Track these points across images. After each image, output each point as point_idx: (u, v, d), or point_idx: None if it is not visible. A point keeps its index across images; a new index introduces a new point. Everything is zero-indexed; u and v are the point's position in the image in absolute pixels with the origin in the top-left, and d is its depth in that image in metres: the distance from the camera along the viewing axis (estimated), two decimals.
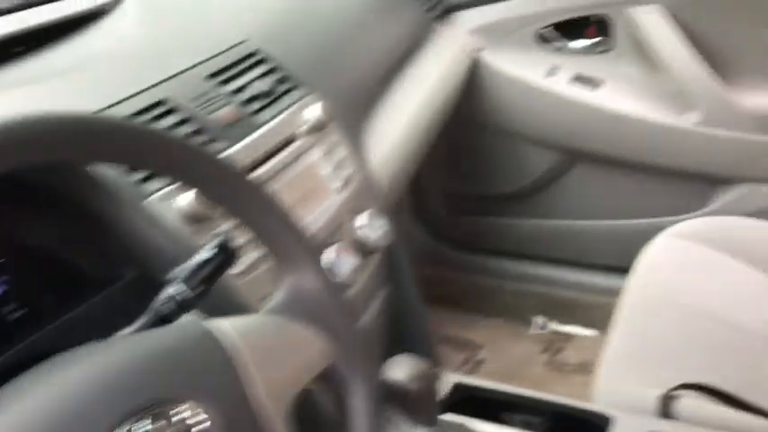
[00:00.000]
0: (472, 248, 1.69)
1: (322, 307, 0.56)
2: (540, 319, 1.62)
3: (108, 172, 0.67)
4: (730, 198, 1.37)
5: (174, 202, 0.70)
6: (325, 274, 0.57)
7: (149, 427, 0.43)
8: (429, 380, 0.75)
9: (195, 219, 0.71)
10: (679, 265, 1.16)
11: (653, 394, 0.94)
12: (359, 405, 0.57)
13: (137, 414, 0.43)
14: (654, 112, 1.34)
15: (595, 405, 0.92)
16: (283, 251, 0.56)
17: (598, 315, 1.49)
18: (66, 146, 0.44)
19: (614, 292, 1.19)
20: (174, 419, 0.44)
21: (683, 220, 1.25)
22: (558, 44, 1.43)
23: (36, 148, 0.43)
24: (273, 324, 0.54)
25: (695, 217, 1.30)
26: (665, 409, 0.92)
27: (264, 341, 0.52)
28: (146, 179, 0.70)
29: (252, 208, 0.55)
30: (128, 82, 0.78)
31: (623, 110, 1.36)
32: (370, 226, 0.89)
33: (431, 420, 0.79)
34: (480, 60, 1.45)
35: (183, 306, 0.59)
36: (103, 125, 0.47)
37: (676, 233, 1.22)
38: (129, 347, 0.48)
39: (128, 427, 0.42)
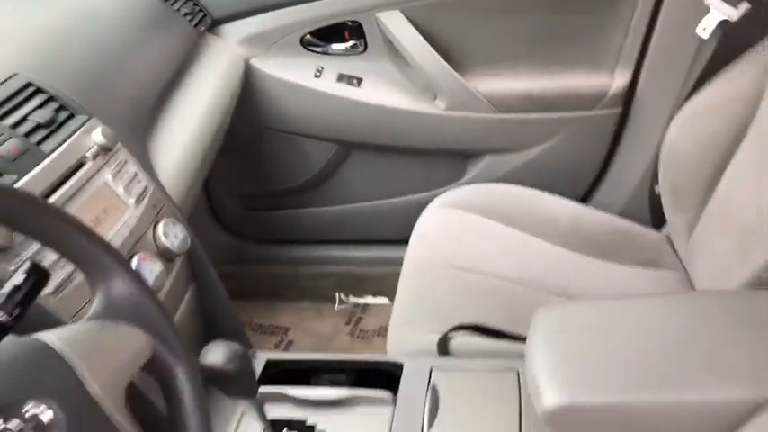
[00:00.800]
0: (269, 241, 1.81)
1: (136, 306, 0.65)
2: (339, 295, 1.79)
3: None
4: (480, 168, 1.61)
5: None
6: (134, 277, 0.66)
7: (5, 422, 0.49)
8: (243, 358, 0.86)
9: None
10: (445, 229, 1.36)
11: (433, 339, 1.13)
12: (183, 386, 0.66)
13: None
14: (409, 102, 1.54)
15: (389, 356, 1.09)
16: (90, 264, 0.63)
17: (388, 284, 1.68)
18: None
19: (398, 262, 1.38)
20: (25, 416, 0.51)
21: (446, 191, 1.46)
22: (320, 48, 1.58)
23: None
24: (94, 329, 0.62)
25: (455, 187, 1.52)
26: (443, 348, 1.12)
27: (89, 344, 0.60)
28: None
29: (53, 230, 0.61)
30: None
31: (384, 102, 1.55)
32: (170, 234, 0.97)
33: (251, 393, 0.90)
34: (252, 68, 1.55)
35: (1, 330, 0.64)
36: None
37: (440, 203, 1.43)
38: None
39: None
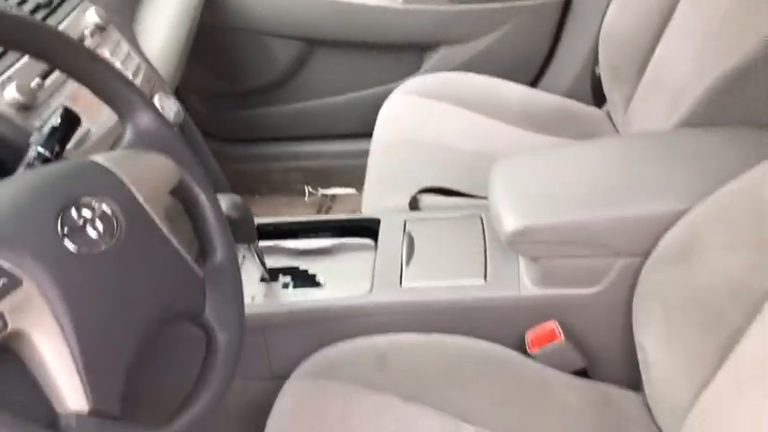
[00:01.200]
0: (238, 140, 1.90)
1: (162, 138, 0.75)
2: (308, 188, 1.91)
3: None
4: (436, 59, 1.73)
5: (2, 94, 0.83)
6: (158, 113, 0.76)
7: (76, 214, 0.61)
8: (243, 208, 0.98)
9: (22, 106, 0.84)
10: (408, 113, 1.49)
11: (403, 201, 1.27)
12: (206, 206, 0.78)
13: (67, 206, 0.60)
14: None
15: (366, 215, 1.23)
16: (120, 100, 0.74)
17: (354, 176, 1.81)
18: None
19: (361, 154, 1.50)
20: (93, 208, 0.62)
21: (404, 81, 1.58)
22: None
23: None
24: (130, 153, 0.73)
25: (413, 77, 1.63)
26: (414, 206, 1.26)
27: (129, 163, 0.70)
28: None
29: (89, 69, 0.71)
30: None
31: None
32: (165, 106, 1.07)
33: (251, 239, 1.02)
34: None
35: (45, 164, 0.75)
36: None
37: (402, 91, 1.54)
38: (36, 173, 0.64)
39: (62, 216, 0.60)
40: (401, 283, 1.06)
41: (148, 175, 0.72)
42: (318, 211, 1.87)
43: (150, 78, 1.09)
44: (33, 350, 0.54)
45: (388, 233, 1.15)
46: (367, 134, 1.51)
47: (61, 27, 0.98)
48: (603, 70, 1.46)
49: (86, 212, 0.62)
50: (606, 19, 1.42)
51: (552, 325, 1.00)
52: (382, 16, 1.65)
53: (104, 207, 0.63)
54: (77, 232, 0.60)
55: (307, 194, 1.91)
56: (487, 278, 1.04)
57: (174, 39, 1.34)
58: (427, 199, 1.27)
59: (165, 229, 0.70)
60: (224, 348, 0.72)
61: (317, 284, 1.09)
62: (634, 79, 1.35)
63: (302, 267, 1.11)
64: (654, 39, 1.29)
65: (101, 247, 0.61)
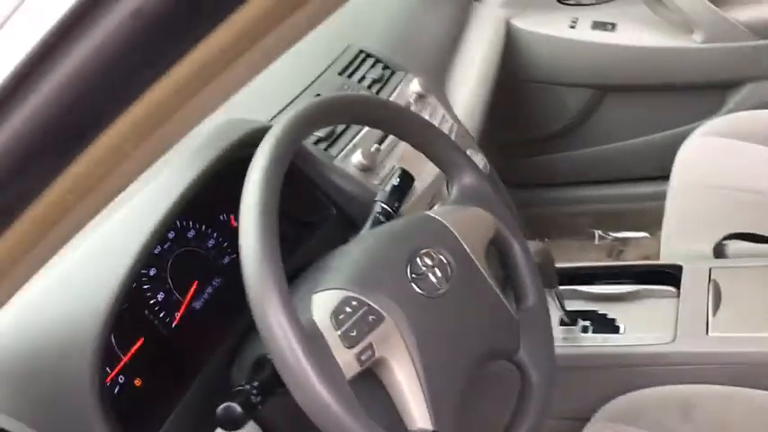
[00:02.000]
0: (529, 186, 1.98)
1: (483, 194, 0.86)
2: (598, 232, 1.91)
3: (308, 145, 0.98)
4: (739, 98, 1.65)
5: (350, 159, 1.01)
6: (480, 172, 0.87)
7: (420, 262, 0.73)
8: (546, 253, 1.05)
9: (365, 168, 1.02)
10: (709, 155, 1.45)
11: (708, 247, 1.24)
12: (519, 255, 0.86)
13: (414, 255, 0.73)
14: (664, 40, 1.63)
15: (668, 261, 1.22)
16: (451, 164, 0.86)
17: (645, 219, 1.78)
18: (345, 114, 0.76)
19: (655, 197, 1.48)
20: (433, 257, 0.74)
21: (704, 122, 1.53)
22: (574, 0, 1.71)
23: (336, 116, 0.74)
24: (457, 209, 0.84)
25: (714, 117, 1.57)
26: (719, 253, 1.22)
27: (457, 219, 0.82)
28: (329, 146, 1.01)
29: (428, 139, 0.85)
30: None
31: (639, 43, 1.65)
32: (475, 161, 1.19)
33: (552, 284, 1.09)
34: (512, 26, 1.74)
35: (388, 217, 0.90)
36: (357, 100, 0.78)
37: (703, 132, 1.50)
38: (386, 227, 0.79)
39: (410, 264, 0.73)
40: (707, 332, 1.03)
41: (472, 227, 0.83)
42: (609, 255, 1.86)
43: (461, 137, 1.22)
44: (391, 375, 0.67)
45: (692, 281, 1.13)
46: (660, 177, 1.49)
47: (392, 97, 1.15)
48: None
49: (428, 260, 0.74)
50: None
51: None
52: (679, 58, 1.63)
53: (441, 256, 0.75)
54: (422, 278, 0.72)
55: (597, 238, 1.91)
56: None
57: (478, 97, 1.47)
58: (734, 245, 1.22)
59: (487, 276, 0.80)
60: (537, 385, 0.79)
61: (616, 330, 1.11)
62: None
63: (601, 312, 1.14)
64: None
65: (439, 290, 0.72)
